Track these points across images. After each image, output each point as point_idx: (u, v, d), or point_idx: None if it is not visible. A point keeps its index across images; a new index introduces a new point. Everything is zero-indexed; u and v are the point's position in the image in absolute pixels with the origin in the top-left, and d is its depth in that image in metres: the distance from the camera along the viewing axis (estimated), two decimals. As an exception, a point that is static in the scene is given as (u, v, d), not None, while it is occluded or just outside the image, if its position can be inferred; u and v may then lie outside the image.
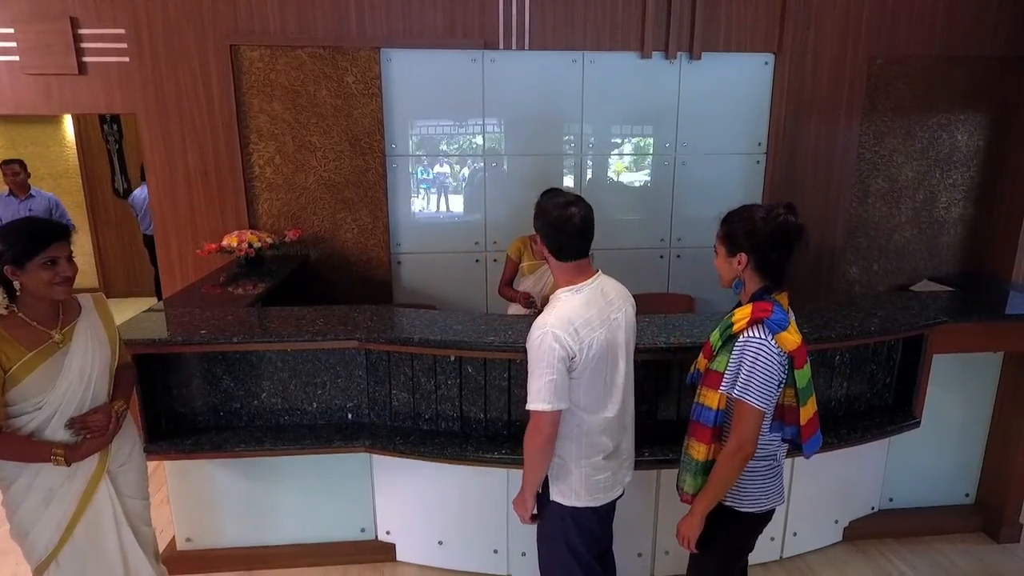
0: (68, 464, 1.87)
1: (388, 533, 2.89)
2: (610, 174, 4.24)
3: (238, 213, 3.86)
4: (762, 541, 2.91)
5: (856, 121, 4.17)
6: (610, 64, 3.97)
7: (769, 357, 1.72)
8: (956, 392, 3.06)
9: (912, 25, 4.07)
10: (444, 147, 4.05)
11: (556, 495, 1.96)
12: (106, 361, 2.01)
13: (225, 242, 3.52)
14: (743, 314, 1.78)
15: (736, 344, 1.77)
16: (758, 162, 4.19)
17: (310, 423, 2.66)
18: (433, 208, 4.16)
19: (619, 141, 4.18)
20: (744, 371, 1.74)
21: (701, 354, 1.94)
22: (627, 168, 4.27)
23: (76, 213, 7.12)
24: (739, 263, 1.81)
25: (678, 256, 4.28)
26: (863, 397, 2.88)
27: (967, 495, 3.22)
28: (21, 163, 5.11)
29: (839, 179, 4.25)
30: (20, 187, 5.03)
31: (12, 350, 1.81)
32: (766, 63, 4.06)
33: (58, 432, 1.90)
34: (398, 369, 2.58)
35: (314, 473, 2.78)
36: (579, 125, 4.07)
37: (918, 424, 2.81)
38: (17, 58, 3.61)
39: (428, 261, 4.14)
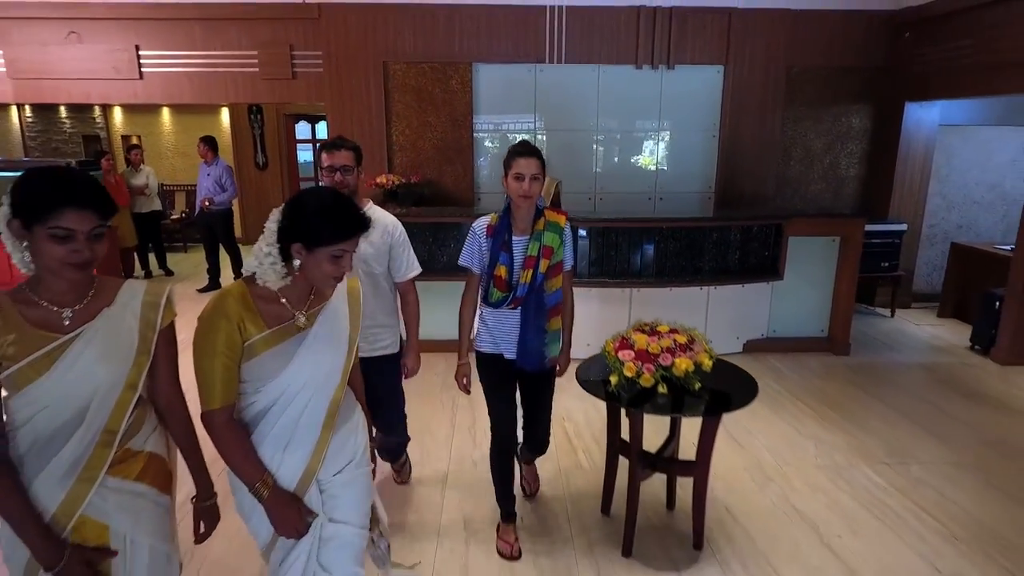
0: (267, 502, 1.61)
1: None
2: (616, 147, 6.45)
3: (382, 165, 6.19)
4: (692, 343, 5.11)
5: (780, 109, 6.28)
6: (615, 73, 6.17)
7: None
8: (815, 264, 5.19)
9: (817, 44, 6.15)
10: (509, 127, 6.32)
11: None
12: (339, 363, 1.71)
13: (378, 179, 5.86)
14: (557, 217, 2.58)
15: (565, 235, 2.57)
16: (714, 137, 6.34)
17: (442, 269, 4.96)
18: (499, 165, 6.42)
19: (622, 126, 6.38)
20: (572, 249, 2.65)
21: (541, 261, 2.50)
22: (627, 143, 6.47)
23: (228, 181, 9.63)
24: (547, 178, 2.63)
25: (660, 199, 6.47)
26: (751, 262, 5.06)
27: (822, 330, 5.36)
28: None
29: (769, 149, 6.36)
30: (204, 156, 6.91)
31: (253, 323, 1.59)
32: (718, 71, 6.21)
33: (269, 434, 1.64)
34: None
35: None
36: (595, 114, 6.28)
37: (782, 278, 4.99)
38: (257, 69, 6.03)
39: (497, 198, 6.40)
